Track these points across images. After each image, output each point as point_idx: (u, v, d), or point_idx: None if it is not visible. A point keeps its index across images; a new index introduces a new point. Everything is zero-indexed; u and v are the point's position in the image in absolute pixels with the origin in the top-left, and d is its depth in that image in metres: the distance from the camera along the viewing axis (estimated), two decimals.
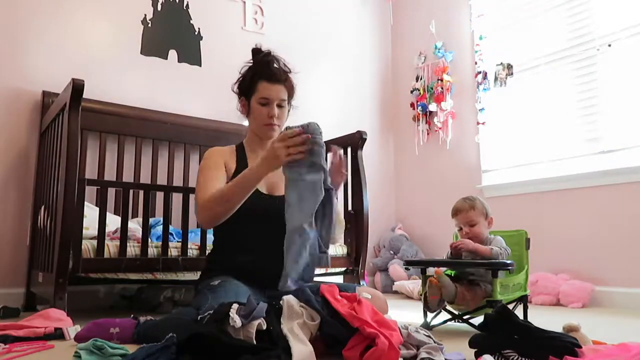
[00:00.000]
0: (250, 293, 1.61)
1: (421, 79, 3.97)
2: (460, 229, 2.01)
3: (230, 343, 1.13)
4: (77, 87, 2.00)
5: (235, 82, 1.91)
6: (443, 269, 1.96)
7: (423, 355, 1.25)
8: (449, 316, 1.93)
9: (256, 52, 1.89)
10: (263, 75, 1.80)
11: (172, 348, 1.14)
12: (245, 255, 1.75)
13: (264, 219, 1.76)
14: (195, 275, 2.28)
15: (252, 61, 1.87)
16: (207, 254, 2.16)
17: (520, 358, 1.21)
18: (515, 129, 3.41)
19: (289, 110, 1.93)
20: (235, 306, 1.23)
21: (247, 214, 1.77)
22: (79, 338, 1.48)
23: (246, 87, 1.85)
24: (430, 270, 2.01)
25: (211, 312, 1.30)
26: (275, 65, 1.84)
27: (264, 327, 1.20)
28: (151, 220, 2.38)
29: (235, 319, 1.18)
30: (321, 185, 1.53)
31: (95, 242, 2.07)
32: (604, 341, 1.41)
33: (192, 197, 2.43)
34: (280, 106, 1.83)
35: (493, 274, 1.79)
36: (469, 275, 1.93)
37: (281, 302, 1.33)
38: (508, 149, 3.44)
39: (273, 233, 1.76)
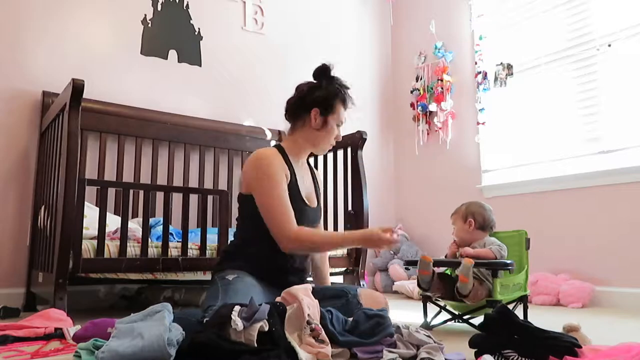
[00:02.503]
0: (263, 291, 1.63)
1: (421, 79, 3.97)
2: None
3: (230, 348, 1.13)
4: (77, 87, 2.00)
5: (310, 91, 1.87)
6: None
7: (423, 355, 1.25)
8: (449, 316, 1.93)
9: (328, 70, 1.91)
10: (344, 100, 1.92)
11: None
12: (274, 253, 1.75)
13: (299, 224, 1.77)
14: (195, 276, 2.28)
15: (329, 80, 1.88)
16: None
17: (520, 358, 1.21)
18: (515, 129, 3.41)
19: None
20: (237, 308, 1.22)
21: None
22: (76, 338, 1.48)
23: (327, 104, 1.87)
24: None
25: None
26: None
27: (266, 329, 1.20)
28: (151, 220, 2.38)
29: (237, 322, 1.17)
30: None
31: (95, 242, 2.07)
32: (603, 342, 1.41)
33: (192, 197, 2.43)
34: None
35: (493, 274, 1.80)
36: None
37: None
38: (508, 149, 3.44)
39: None
